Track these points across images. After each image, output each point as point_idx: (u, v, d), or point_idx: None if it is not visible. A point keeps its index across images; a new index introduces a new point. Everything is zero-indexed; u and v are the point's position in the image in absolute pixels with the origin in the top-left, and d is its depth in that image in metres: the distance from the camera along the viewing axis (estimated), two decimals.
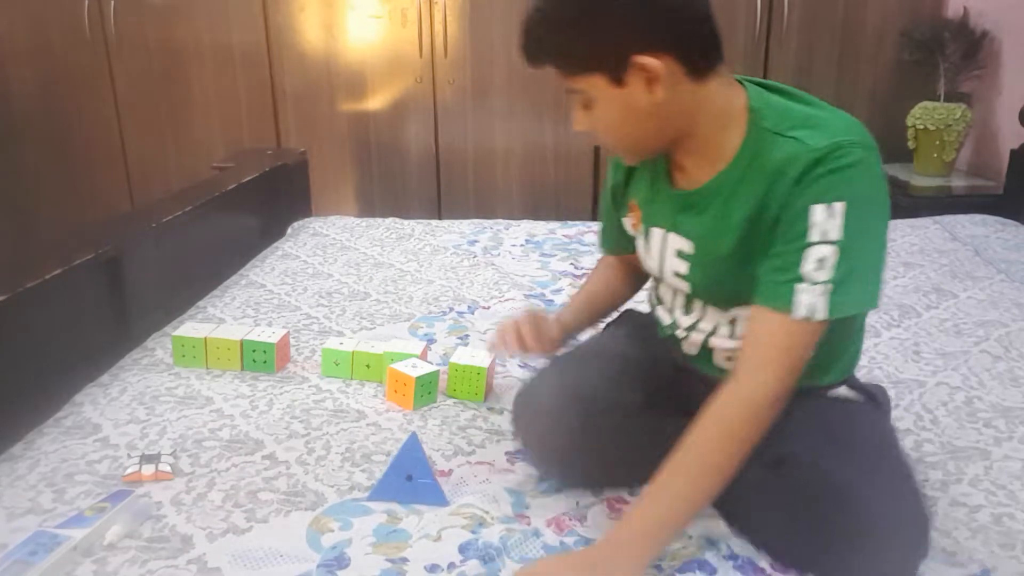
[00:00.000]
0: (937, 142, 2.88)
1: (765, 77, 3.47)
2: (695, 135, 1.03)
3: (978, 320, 1.74)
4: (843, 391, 1.14)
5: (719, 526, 1.05)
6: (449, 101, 3.22)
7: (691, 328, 1.14)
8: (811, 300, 0.93)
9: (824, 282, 0.93)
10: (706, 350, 1.13)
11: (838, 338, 1.05)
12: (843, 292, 0.93)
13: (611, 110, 0.99)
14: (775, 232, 0.97)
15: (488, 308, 1.86)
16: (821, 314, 0.93)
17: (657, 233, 1.13)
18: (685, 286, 1.12)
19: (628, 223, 1.22)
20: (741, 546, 1.01)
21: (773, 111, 1.00)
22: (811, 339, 0.95)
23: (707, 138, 1.03)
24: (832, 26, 3.12)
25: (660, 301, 1.21)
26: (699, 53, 0.98)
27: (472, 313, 1.83)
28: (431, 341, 1.66)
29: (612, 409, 1.11)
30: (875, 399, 1.15)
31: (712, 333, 1.11)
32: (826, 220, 0.92)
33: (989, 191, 2.80)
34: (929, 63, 2.97)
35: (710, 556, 1.00)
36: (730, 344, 1.10)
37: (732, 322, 1.09)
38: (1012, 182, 2.65)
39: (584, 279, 1.41)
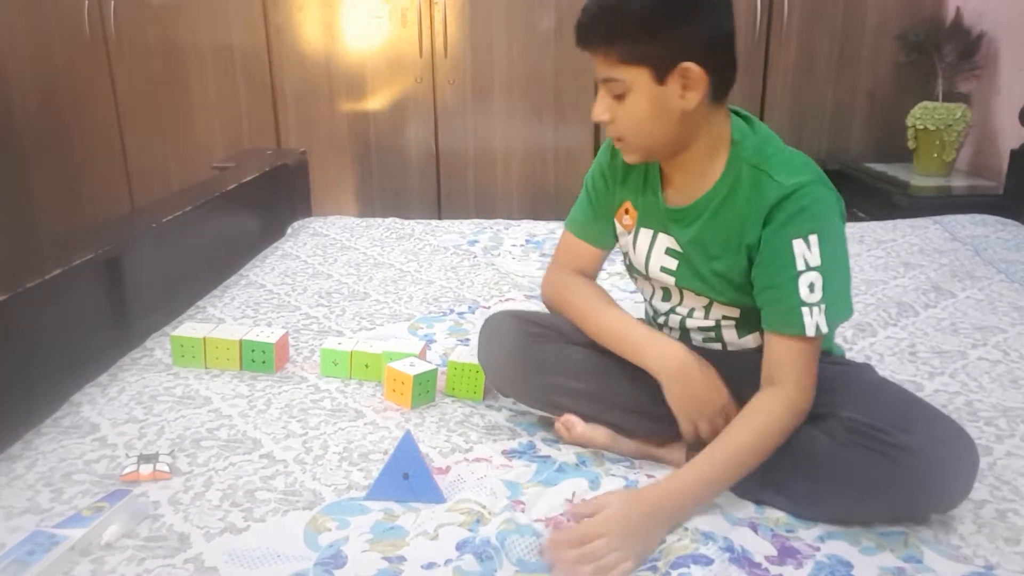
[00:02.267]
0: (937, 142, 2.87)
1: (765, 77, 3.45)
2: (691, 154, 1.15)
3: (977, 323, 1.74)
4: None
5: (716, 519, 1.06)
6: (449, 101, 3.22)
7: (669, 312, 1.27)
8: (814, 320, 1.08)
9: (818, 303, 1.08)
10: (684, 331, 1.26)
11: None
12: (833, 307, 1.09)
13: (642, 105, 1.09)
14: (757, 259, 1.12)
15: (488, 308, 1.86)
16: (824, 328, 1.09)
17: (647, 232, 1.25)
18: (671, 280, 1.23)
19: (619, 222, 1.30)
20: (738, 538, 1.02)
21: (751, 144, 1.14)
22: (818, 349, 1.11)
23: (699, 159, 1.15)
24: (832, 26, 3.12)
25: (640, 292, 1.34)
26: (725, 80, 1.11)
27: (472, 313, 1.83)
28: (431, 341, 1.66)
29: (555, 338, 1.27)
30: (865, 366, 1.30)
31: (688, 315, 1.24)
32: (806, 251, 1.08)
33: (989, 191, 2.80)
34: (927, 63, 2.97)
35: (706, 550, 0.99)
36: (705, 323, 1.23)
37: (707, 305, 1.22)
38: (1012, 182, 2.64)
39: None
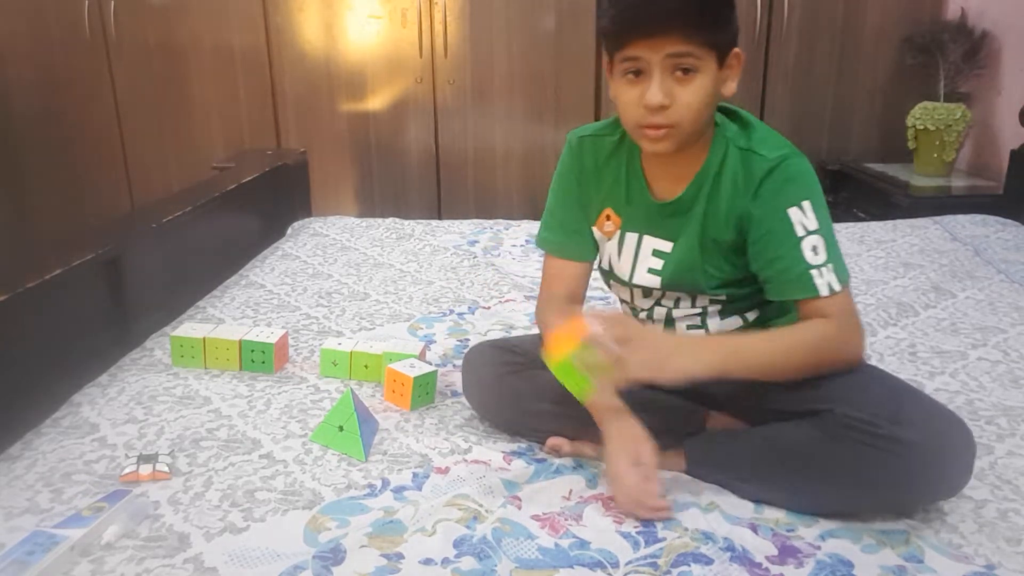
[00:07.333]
0: (937, 142, 2.87)
1: (765, 77, 3.45)
2: (693, 142, 1.13)
3: (977, 323, 1.74)
4: None
5: (716, 519, 1.06)
6: (449, 101, 3.22)
7: (653, 307, 1.26)
8: (825, 280, 1.09)
9: (824, 263, 1.09)
10: (670, 321, 1.25)
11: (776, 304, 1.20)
12: (838, 265, 1.10)
13: (705, 87, 1.07)
14: (752, 235, 1.12)
15: (488, 308, 1.86)
16: (837, 285, 1.09)
17: (632, 236, 1.24)
18: (656, 281, 1.22)
19: (600, 230, 1.28)
20: (738, 537, 1.01)
21: (732, 125, 1.16)
22: (847, 304, 1.11)
23: (695, 147, 1.14)
24: (832, 26, 3.12)
25: (618, 298, 1.33)
26: None
27: (472, 313, 1.83)
28: (431, 342, 1.66)
29: (528, 368, 1.25)
30: None
31: (675, 306, 1.24)
32: (803, 217, 1.09)
33: (989, 191, 2.80)
34: (930, 64, 2.97)
35: (706, 549, 1.00)
36: (692, 311, 1.23)
37: (693, 295, 1.21)
38: (1012, 182, 2.64)
39: None
